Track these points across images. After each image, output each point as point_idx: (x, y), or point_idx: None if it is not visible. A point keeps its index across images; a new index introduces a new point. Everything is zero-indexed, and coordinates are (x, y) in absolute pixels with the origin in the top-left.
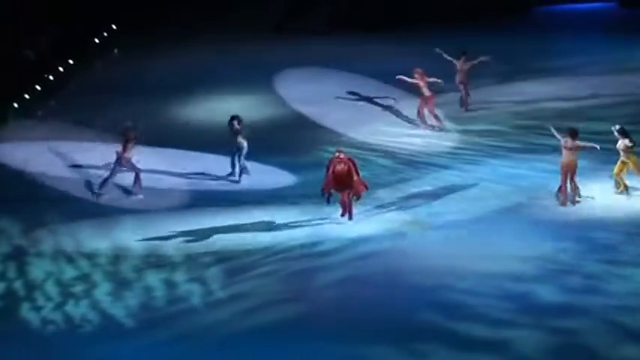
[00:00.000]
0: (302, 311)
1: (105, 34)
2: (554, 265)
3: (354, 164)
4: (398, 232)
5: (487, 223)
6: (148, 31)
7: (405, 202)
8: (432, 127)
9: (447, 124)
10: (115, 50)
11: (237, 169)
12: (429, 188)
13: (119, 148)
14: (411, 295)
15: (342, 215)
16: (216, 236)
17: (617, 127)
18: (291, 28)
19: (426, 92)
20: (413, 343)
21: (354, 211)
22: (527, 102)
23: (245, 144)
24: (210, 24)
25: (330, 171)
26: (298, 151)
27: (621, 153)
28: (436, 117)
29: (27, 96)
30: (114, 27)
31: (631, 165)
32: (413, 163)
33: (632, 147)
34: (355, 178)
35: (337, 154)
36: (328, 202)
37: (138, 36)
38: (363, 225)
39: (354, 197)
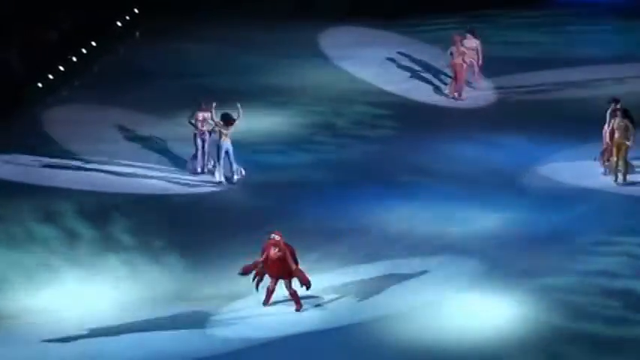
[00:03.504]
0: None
1: (127, 17)
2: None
3: (292, 252)
4: None
5: (559, 219)
6: (170, 16)
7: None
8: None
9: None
10: (137, 34)
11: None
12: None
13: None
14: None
15: (265, 304)
16: None
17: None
18: (307, 14)
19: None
20: (546, 343)
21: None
22: (546, 92)
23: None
24: (228, 9)
25: (264, 256)
26: None
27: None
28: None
29: (51, 76)
30: (136, 11)
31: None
32: None
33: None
34: (293, 267)
35: (273, 236)
36: (257, 288)
37: (159, 20)
38: None
39: (303, 286)
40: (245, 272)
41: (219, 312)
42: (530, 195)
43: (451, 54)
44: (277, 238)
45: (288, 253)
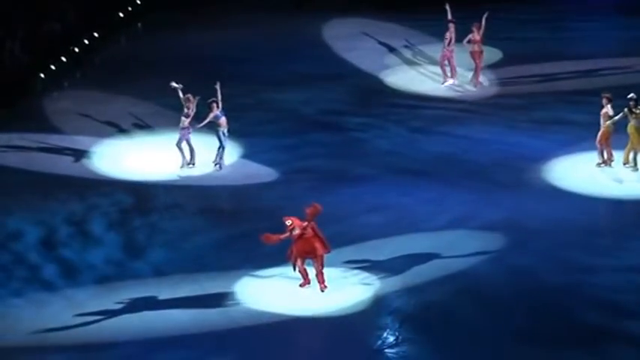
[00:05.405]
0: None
1: (129, 8)
2: None
3: (307, 226)
4: None
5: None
6: (171, 7)
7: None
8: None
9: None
10: (139, 25)
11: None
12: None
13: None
14: (563, 297)
15: (302, 286)
16: None
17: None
18: (310, 5)
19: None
20: (598, 345)
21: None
22: (546, 88)
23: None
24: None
25: (288, 234)
26: None
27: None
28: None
29: (53, 67)
30: (138, 2)
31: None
32: None
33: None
34: (316, 243)
35: (286, 222)
36: (294, 269)
37: (161, 11)
38: None
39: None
40: (266, 239)
41: (237, 289)
42: (532, 190)
43: (469, 41)
44: (289, 222)
45: (310, 230)
